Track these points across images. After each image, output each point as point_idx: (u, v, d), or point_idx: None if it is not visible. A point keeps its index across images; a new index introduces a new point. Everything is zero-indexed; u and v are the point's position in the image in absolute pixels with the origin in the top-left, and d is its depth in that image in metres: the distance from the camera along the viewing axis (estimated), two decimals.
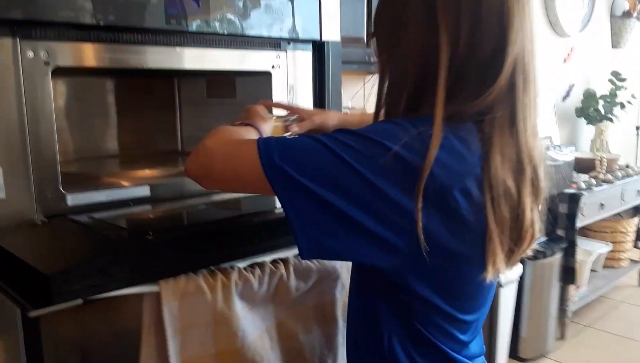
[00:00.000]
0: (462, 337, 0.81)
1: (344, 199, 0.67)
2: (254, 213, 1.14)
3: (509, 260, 0.75)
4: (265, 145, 0.72)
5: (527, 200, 0.74)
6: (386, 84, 0.80)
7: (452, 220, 0.69)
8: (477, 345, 0.87)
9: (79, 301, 0.82)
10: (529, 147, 0.74)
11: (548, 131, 3.36)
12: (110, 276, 0.84)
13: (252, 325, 0.97)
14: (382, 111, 0.82)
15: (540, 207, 0.78)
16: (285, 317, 1.02)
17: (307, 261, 1.02)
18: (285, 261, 1.01)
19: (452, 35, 0.71)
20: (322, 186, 0.67)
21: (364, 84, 2.33)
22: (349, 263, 1.01)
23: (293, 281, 1.01)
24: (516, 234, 0.74)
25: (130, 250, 0.89)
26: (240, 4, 1.22)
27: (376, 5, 0.82)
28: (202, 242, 0.96)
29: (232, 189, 0.86)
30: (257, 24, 1.24)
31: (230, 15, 1.21)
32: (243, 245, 1.00)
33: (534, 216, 0.76)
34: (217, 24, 1.19)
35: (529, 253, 0.80)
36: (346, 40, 1.58)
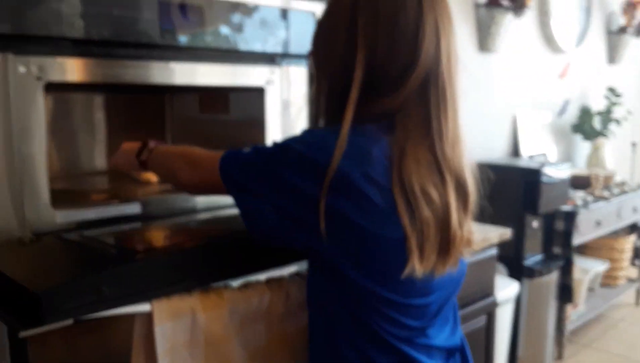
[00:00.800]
0: (411, 322, 0.84)
1: (273, 193, 0.82)
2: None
3: (440, 259, 0.82)
4: (223, 159, 0.90)
5: (453, 207, 0.81)
6: (320, 97, 0.91)
7: (357, 199, 0.78)
8: (440, 333, 0.89)
9: (70, 321, 0.80)
10: (447, 156, 0.81)
11: (543, 148, 3.36)
12: (101, 294, 0.82)
13: (243, 346, 0.95)
14: (320, 120, 0.92)
15: (470, 214, 0.87)
16: (276, 338, 1.00)
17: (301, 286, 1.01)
18: (279, 280, 1.00)
19: (369, 52, 0.82)
20: (257, 184, 0.84)
21: None
22: None
23: (286, 301, 0.99)
24: (444, 237, 0.81)
25: (122, 269, 0.87)
26: (235, 18, 1.21)
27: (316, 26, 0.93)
28: (195, 260, 0.94)
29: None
30: (251, 39, 1.24)
31: (224, 30, 1.20)
32: (236, 263, 0.98)
33: (463, 221, 0.84)
34: (211, 39, 1.18)
35: (465, 254, 0.88)
36: None
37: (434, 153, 0.80)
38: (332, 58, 0.87)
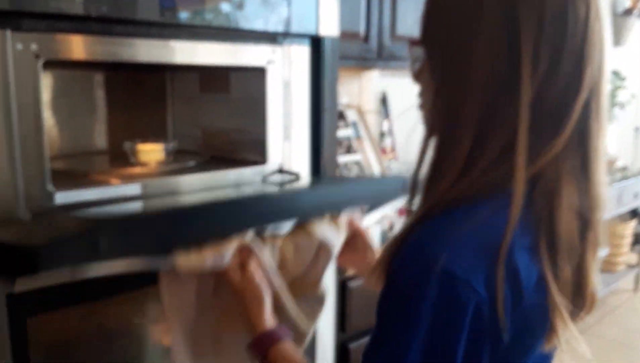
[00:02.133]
0: None
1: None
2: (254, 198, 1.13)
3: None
4: None
5: (590, 256, 0.64)
6: (434, 120, 0.68)
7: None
8: None
9: (67, 276, 0.81)
10: (596, 197, 0.64)
11: None
12: (98, 247, 0.82)
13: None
14: (428, 171, 0.69)
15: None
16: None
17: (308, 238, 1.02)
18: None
19: (533, 65, 0.60)
20: None
21: (359, 80, 2.30)
22: (341, 238, 1.05)
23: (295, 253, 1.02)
24: (578, 298, 0.65)
25: (119, 223, 0.88)
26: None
27: (429, 1, 0.68)
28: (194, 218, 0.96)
29: None
30: (252, 17, 1.21)
31: (225, 8, 1.18)
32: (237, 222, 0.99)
33: (595, 274, 0.66)
34: (211, 17, 1.16)
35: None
36: (343, 35, 1.55)
37: (589, 195, 0.63)
38: (475, 68, 0.62)
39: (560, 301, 0.61)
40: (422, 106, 0.72)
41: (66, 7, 0.97)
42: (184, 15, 1.12)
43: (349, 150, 2.12)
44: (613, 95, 3.57)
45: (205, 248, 0.91)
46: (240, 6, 1.19)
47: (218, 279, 0.97)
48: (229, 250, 0.93)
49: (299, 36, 1.33)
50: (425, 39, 0.69)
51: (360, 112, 2.24)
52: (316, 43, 1.37)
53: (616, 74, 3.65)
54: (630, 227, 3.54)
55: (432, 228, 0.61)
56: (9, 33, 0.93)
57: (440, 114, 0.67)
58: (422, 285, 0.57)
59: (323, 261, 1.05)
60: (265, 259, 0.97)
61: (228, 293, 0.96)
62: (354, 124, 2.19)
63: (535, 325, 0.63)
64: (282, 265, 1.01)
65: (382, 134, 2.34)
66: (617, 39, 3.95)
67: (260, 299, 0.91)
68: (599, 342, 2.99)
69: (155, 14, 1.08)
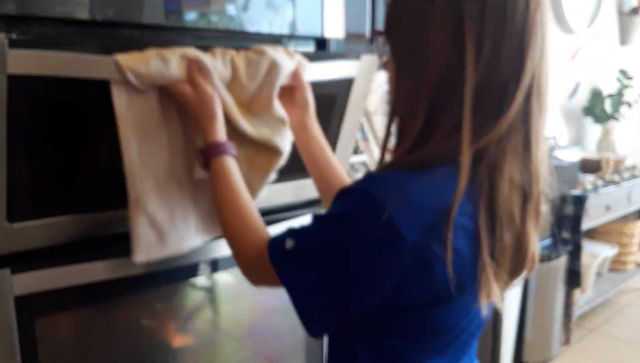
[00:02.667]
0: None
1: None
2: None
3: (504, 287, 0.73)
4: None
5: (530, 226, 0.72)
6: (396, 103, 0.76)
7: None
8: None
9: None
10: (536, 174, 0.71)
11: (553, 131, 3.33)
12: None
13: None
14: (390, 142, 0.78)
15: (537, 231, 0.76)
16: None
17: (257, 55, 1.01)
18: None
19: (476, 51, 0.67)
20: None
21: None
22: (291, 66, 1.05)
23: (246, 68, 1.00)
24: (518, 261, 0.72)
25: None
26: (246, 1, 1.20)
27: None
28: None
29: None
30: (257, 19, 1.21)
31: (230, 10, 1.18)
32: None
33: (535, 242, 0.74)
34: (216, 20, 1.16)
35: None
36: (348, 36, 1.55)
37: (528, 170, 0.70)
38: (425, 50, 0.69)
39: (487, 262, 0.68)
40: (389, 92, 0.79)
41: (72, 11, 0.97)
42: (189, 18, 1.12)
43: (356, 151, 2.12)
44: (620, 94, 3.55)
45: (146, 51, 0.90)
46: (245, 8, 1.19)
47: (166, 97, 0.94)
48: (173, 57, 0.90)
49: (304, 38, 1.33)
50: (387, 30, 0.75)
51: (367, 114, 2.23)
52: (321, 45, 1.37)
53: (623, 73, 3.63)
54: (639, 226, 3.51)
55: (388, 178, 0.69)
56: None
57: (399, 97, 0.75)
58: (362, 219, 0.66)
59: (274, 79, 1.02)
60: (216, 72, 0.94)
61: (178, 112, 0.95)
62: (360, 125, 2.19)
63: (467, 284, 0.69)
64: (233, 79, 0.98)
65: (387, 135, 2.34)
66: (624, 39, 3.92)
67: (212, 114, 0.91)
68: (609, 341, 2.97)
69: (160, 17, 1.08)
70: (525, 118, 0.69)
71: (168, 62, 0.91)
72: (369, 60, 1.34)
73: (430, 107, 0.70)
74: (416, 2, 0.71)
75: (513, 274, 0.73)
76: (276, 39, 1.28)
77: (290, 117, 1.05)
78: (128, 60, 0.88)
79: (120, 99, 0.90)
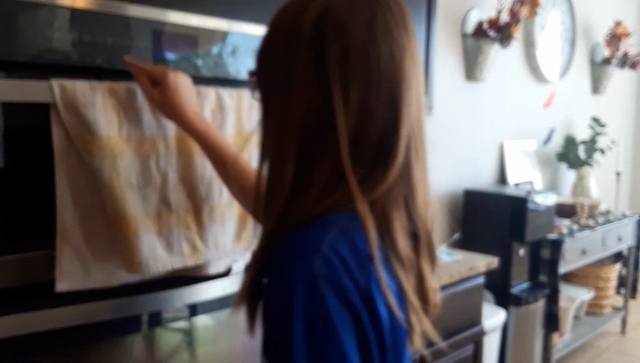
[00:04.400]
0: None
1: None
2: None
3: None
4: None
5: (426, 267, 0.73)
6: (263, 145, 0.72)
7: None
8: None
9: None
10: (422, 218, 0.72)
11: (529, 176, 3.40)
12: None
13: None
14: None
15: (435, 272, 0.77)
16: None
17: None
18: None
19: (343, 95, 0.65)
20: None
21: None
22: None
23: None
24: (423, 300, 0.73)
25: None
26: (228, 46, 1.23)
27: (262, 38, 0.73)
28: None
29: None
30: (244, 67, 1.25)
31: (217, 59, 1.21)
32: None
33: (434, 282, 0.75)
34: (204, 67, 1.19)
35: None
36: None
37: (411, 216, 0.71)
38: (290, 97, 0.67)
39: (415, 301, 0.68)
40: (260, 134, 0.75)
41: (63, 58, 0.99)
42: (177, 66, 1.15)
43: None
44: (594, 141, 3.66)
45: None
46: (235, 55, 1.23)
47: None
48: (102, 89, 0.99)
49: None
50: (256, 71, 0.74)
51: None
52: None
53: (596, 120, 3.75)
54: (615, 270, 3.57)
55: (295, 241, 0.64)
56: None
57: (267, 139, 0.72)
58: (298, 289, 0.60)
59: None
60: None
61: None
62: None
63: (400, 328, 0.68)
64: None
65: None
66: (596, 87, 4.07)
67: (182, 107, 1.01)
68: None
69: (149, 63, 1.11)
70: (407, 169, 0.69)
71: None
72: None
73: (300, 153, 0.67)
74: (281, 45, 0.69)
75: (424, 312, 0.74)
76: None
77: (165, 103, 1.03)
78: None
79: (59, 137, 0.96)
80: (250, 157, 1.18)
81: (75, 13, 0.99)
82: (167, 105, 1.01)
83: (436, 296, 0.75)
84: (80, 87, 0.96)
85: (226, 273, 1.21)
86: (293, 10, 0.69)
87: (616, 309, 3.67)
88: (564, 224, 3.06)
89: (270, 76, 0.71)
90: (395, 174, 0.67)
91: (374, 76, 0.66)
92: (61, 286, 0.97)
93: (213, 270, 1.18)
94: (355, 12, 0.66)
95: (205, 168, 1.12)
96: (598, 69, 4.00)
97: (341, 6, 0.67)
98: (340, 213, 0.65)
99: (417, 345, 0.71)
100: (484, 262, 2.16)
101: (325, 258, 0.60)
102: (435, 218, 0.77)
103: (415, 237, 0.72)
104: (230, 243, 1.19)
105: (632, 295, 3.69)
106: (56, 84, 0.94)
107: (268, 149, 0.72)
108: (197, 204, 1.12)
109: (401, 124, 0.67)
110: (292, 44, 0.67)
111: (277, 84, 0.69)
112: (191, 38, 1.16)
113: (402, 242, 0.68)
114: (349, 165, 0.65)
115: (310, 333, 0.59)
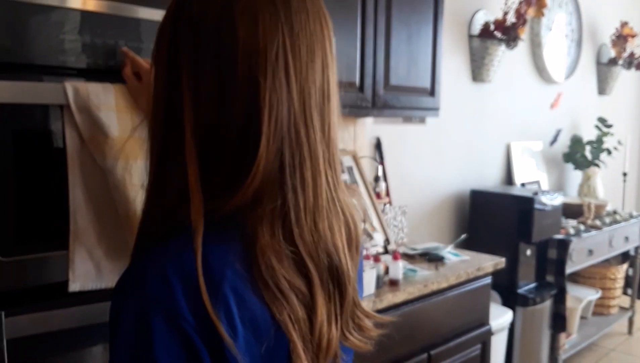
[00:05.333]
0: None
1: None
2: None
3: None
4: None
5: (319, 304, 0.60)
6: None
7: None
8: None
9: None
10: (307, 242, 0.60)
11: (536, 177, 3.40)
12: None
13: None
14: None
15: (344, 311, 0.64)
16: None
17: None
18: None
19: (194, 90, 0.58)
20: None
21: (354, 127, 2.35)
22: None
23: None
24: (311, 340, 0.61)
25: None
26: None
27: None
28: None
29: None
30: None
31: None
32: None
33: (332, 321, 0.62)
34: None
35: (362, 343, 0.67)
36: (339, 85, 1.60)
37: (292, 239, 0.59)
38: (155, 94, 0.61)
39: (294, 333, 0.58)
40: None
41: (75, 61, 1.01)
42: None
43: None
44: (600, 141, 3.66)
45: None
46: None
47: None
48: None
49: None
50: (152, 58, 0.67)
51: (356, 158, 2.28)
52: None
53: (603, 121, 3.74)
54: (622, 270, 3.56)
55: (140, 259, 0.58)
56: None
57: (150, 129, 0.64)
58: (125, 316, 0.55)
59: None
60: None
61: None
62: (350, 170, 2.23)
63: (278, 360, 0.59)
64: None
65: (376, 179, 2.38)
66: (603, 88, 4.07)
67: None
68: None
69: None
70: (281, 176, 0.58)
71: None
72: None
73: (160, 156, 0.61)
74: (155, 47, 0.63)
75: (316, 356, 0.61)
76: None
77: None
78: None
79: (72, 139, 0.97)
80: None
81: (87, 16, 1.01)
82: (145, 91, 1.01)
83: (331, 337, 0.62)
84: (93, 89, 0.98)
85: None
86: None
87: (623, 309, 3.67)
88: (571, 224, 3.06)
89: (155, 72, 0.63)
90: (256, 185, 0.57)
91: (229, 63, 0.57)
92: (74, 286, 0.98)
93: None
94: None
95: None
96: (604, 69, 4.00)
97: None
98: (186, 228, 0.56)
99: None
100: (491, 262, 2.16)
101: (162, 279, 0.54)
102: (357, 242, 0.65)
103: (302, 267, 0.60)
104: None
105: (639, 295, 3.68)
106: (69, 86, 0.96)
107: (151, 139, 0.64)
108: None
109: (263, 122, 0.56)
110: (160, 41, 0.61)
111: (156, 81, 0.63)
112: None
113: (279, 268, 0.58)
114: (195, 171, 0.57)
115: (131, 358, 0.54)
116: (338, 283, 0.63)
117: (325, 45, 0.62)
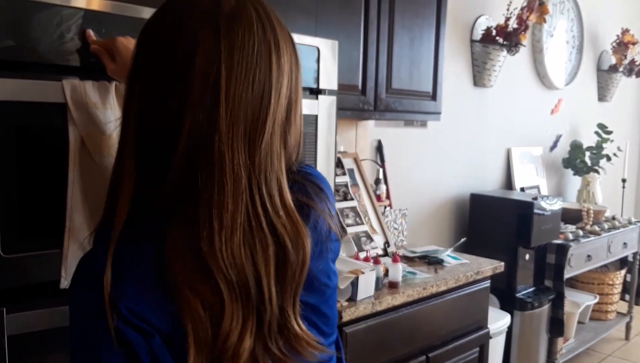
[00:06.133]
0: None
1: None
2: None
3: None
4: None
5: (228, 315, 0.61)
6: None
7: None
8: None
9: None
10: (218, 260, 0.61)
11: (535, 182, 3.41)
12: None
13: None
14: None
15: (262, 328, 0.64)
16: None
17: None
18: None
19: (142, 98, 0.64)
20: None
21: (355, 129, 2.36)
22: None
23: None
24: (213, 347, 0.62)
25: None
26: None
27: None
28: None
29: None
30: None
31: None
32: None
33: (245, 335, 0.62)
34: None
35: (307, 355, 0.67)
36: (342, 88, 1.61)
37: (200, 251, 0.61)
38: (125, 96, 0.68)
39: (191, 340, 0.60)
40: None
41: (77, 59, 1.02)
42: None
43: (345, 197, 2.16)
44: (600, 147, 3.67)
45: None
46: None
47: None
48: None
49: (303, 90, 1.39)
50: None
51: (357, 160, 2.29)
52: (317, 95, 1.44)
53: (602, 127, 3.75)
54: (619, 276, 3.57)
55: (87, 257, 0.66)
56: None
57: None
58: (71, 303, 0.63)
59: None
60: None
61: None
62: (351, 172, 2.24)
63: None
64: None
65: (377, 181, 2.39)
66: (603, 95, 4.08)
67: None
68: None
69: None
70: (189, 189, 0.61)
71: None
72: (328, 99, 1.44)
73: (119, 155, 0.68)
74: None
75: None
76: None
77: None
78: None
79: (75, 136, 0.98)
80: None
81: (91, 15, 1.02)
82: (122, 69, 0.98)
83: (241, 349, 0.62)
84: (90, 87, 0.98)
85: None
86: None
87: (621, 315, 3.67)
88: (570, 230, 3.07)
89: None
90: (167, 193, 0.61)
91: (169, 74, 0.62)
92: (66, 283, 0.98)
93: None
94: (166, 14, 0.65)
95: None
96: (605, 76, 4.01)
97: (158, 12, 0.67)
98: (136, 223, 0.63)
99: None
100: (490, 266, 2.17)
101: (89, 271, 0.62)
102: (290, 263, 0.65)
103: (210, 280, 0.61)
104: None
105: (637, 301, 3.69)
106: (67, 83, 0.97)
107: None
108: None
109: (183, 132, 0.60)
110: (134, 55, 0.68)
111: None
112: None
113: (178, 271, 0.60)
114: (130, 166, 0.64)
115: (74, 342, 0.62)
116: (255, 302, 0.63)
117: (272, 72, 0.64)
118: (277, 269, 0.65)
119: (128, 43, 1.00)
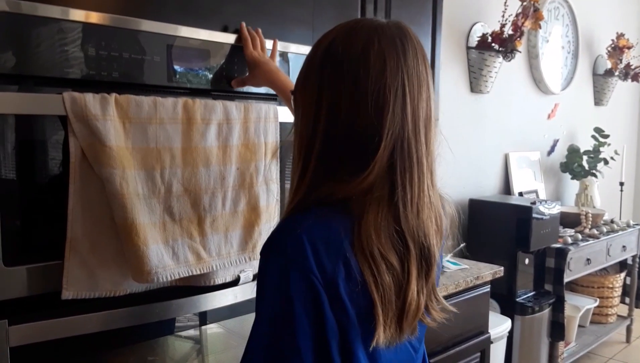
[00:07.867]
0: None
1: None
2: None
3: (398, 327, 0.78)
4: None
5: (414, 276, 0.77)
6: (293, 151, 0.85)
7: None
8: None
9: None
10: (410, 225, 0.77)
11: (533, 186, 3.42)
12: None
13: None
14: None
15: (430, 284, 0.80)
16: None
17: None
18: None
19: (332, 110, 0.77)
20: None
21: None
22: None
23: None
24: (401, 305, 0.77)
25: None
26: (241, 61, 1.26)
27: None
28: None
29: None
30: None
31: (231, 72, 1.25)
32: None
33: (422, 290, 0.79)
34: (217, 81, 1.22)
35: (433, 323, 0.84)
36: None
37: (398, 222, 0.77)
38: (304, 108, 0.82)
39: (377, 298, 0.74)
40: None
41: (79, 72, 1.03)
42: (191, 80, 1.18)
43: None
44: (597, 151, 3.68)
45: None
46: (245, 71, 1.27)
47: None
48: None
49: None
50: (293, 91, 0.87)
51: None
52: None
53: (598, 130, 3.77)
54: (619, 279, 3.58)
55: (280, 225, 0.77)
56: None
57: (294, 145, 0.86)
58: (272, 268, 0.74)
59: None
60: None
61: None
62: None
63: (364, 316, 0.75)
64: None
65: None
66: (599, 99, 4.10)
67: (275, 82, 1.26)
68: None
69: (163, 78, 1.14)
70: (391, 173, 0.77)
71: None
72: None
73: (304, 155, 0.81)
74: (303, 71, 0.83)
75: (400, 323, 0.77)
76: (274, 99, 1.35)
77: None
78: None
79: (75, 148, 0.99)
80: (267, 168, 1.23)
81: (90, 28, 1.03)
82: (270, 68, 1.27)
83: (417, 307, 0.78)
84: (90, 99, 0.99)
85: (234, 283, 1.23)
86: (316, 42, 0.83)
87: (621, 318, 3.68)
88: (569, 233, 3.07)
89: (298, 94, 0.85)
90: (370, 179, 0.75)
91: (363, 93, 0.76)
92: (67, 294, 1.00)
93: (219, 279, 1.20)
94: (353, 40, 0.79)
95: (209, 178, 1.15)
96: (601, 80, 4.03)
97: (342, 36, 0.80)
98: (325, 205, 0.76)
99: (379, 341, 0.75)
100: (490, 271, 2.18)
101: (297, 242, 0.72)
102: (442, 232, 0.82)
103: (403, 245, 0.77)
104: (234, 253, 1.20)
105: (637, 304, 3.69)
106: (67, 96, 0.98)
107: (294, 153, 0.85)
108: (200, 214, 1.14)
109: (384, 135, 0.76)
110: (310, 71, 0.82)
111: (299, 101, 0.84)
112: (203, 52, 1.20)
113: (376, 240, 0.74)
114: (319, 165, 0.78)
115: (272, 307, 0.73)
116: (427, 262, 0.79)
117: (429, 82, 0.81)
118: (436, 236, 0.81)
119: (267, 66, 1.27)
